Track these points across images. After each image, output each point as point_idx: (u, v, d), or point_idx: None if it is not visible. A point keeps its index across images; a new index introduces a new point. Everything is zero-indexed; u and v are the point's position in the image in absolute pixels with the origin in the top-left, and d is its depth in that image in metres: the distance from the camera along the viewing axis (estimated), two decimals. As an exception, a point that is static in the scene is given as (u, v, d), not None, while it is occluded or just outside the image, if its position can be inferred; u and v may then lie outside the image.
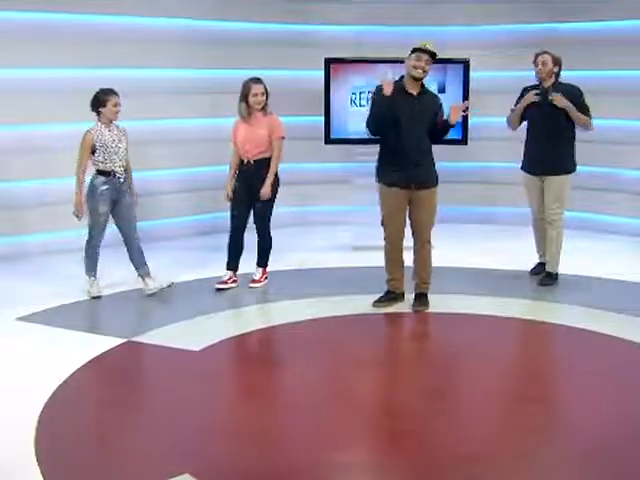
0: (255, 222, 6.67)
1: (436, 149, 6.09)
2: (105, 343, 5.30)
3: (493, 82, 8.74)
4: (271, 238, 6.72)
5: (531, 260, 7.10)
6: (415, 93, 5.83)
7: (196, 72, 8.40)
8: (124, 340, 5.37)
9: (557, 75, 6.64)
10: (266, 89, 6.46)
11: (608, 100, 8.04)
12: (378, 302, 6.14)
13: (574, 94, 6.55)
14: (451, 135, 7.90)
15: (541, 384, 4.90)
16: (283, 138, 6.55)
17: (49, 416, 4.21)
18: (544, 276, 6.79)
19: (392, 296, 6.18)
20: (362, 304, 6.12)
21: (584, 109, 6.57)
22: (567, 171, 6.68)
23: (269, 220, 6.66)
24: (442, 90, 7.94)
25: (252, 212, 6.64)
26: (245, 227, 6.66)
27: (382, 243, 6.12)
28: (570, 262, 6.93)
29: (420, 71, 5.74)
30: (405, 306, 6.14)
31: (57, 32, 7.53)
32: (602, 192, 8.72)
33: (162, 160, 8.30)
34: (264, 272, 6.78)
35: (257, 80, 6.46)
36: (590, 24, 8.61)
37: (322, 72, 8.09)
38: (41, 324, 5.72)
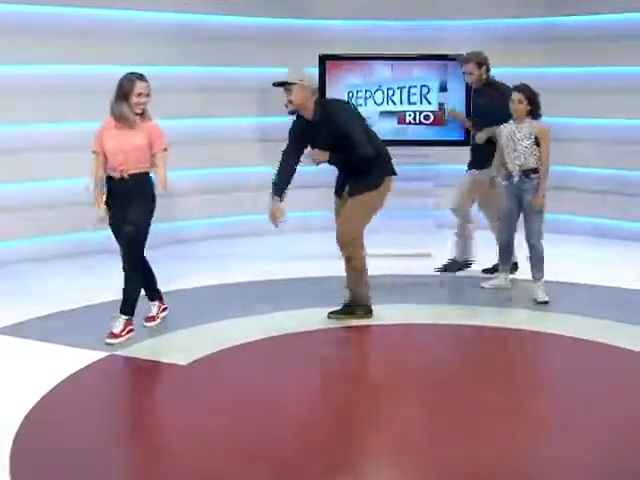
0: (123, 250, 5.40)
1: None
2: (86, 357, 5.12)
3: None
4: (142, 275, 5.48)
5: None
6: (310, 119, 5.71)
7: (186, 69, 8.29)
8: (107, 354, 5.19)
9: (487, 74, 6.70)
10: (149, 89, 5.31)
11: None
12: (332, 313, 5.90)
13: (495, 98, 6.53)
14: (453, 136, 7.80)
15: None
16: (165, 150, 5.35)
17: (26, 435, 4.03)
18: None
19: (347, 309, 5.90)
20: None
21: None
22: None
23: (142, 247, 5.40)
24: (443, 89, 7.68)
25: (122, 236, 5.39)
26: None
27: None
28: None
29: (286, 103, 5.69)
30: (413, 317, 5.95)
31: (42, 27, 7.42)
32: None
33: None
34: (128, 323, 5.41)
35: (141, 76, 5.27)
36: (590, 17, 8.50)
37: (316, 69, 7.82)
38: (17, 337, 5.53)
